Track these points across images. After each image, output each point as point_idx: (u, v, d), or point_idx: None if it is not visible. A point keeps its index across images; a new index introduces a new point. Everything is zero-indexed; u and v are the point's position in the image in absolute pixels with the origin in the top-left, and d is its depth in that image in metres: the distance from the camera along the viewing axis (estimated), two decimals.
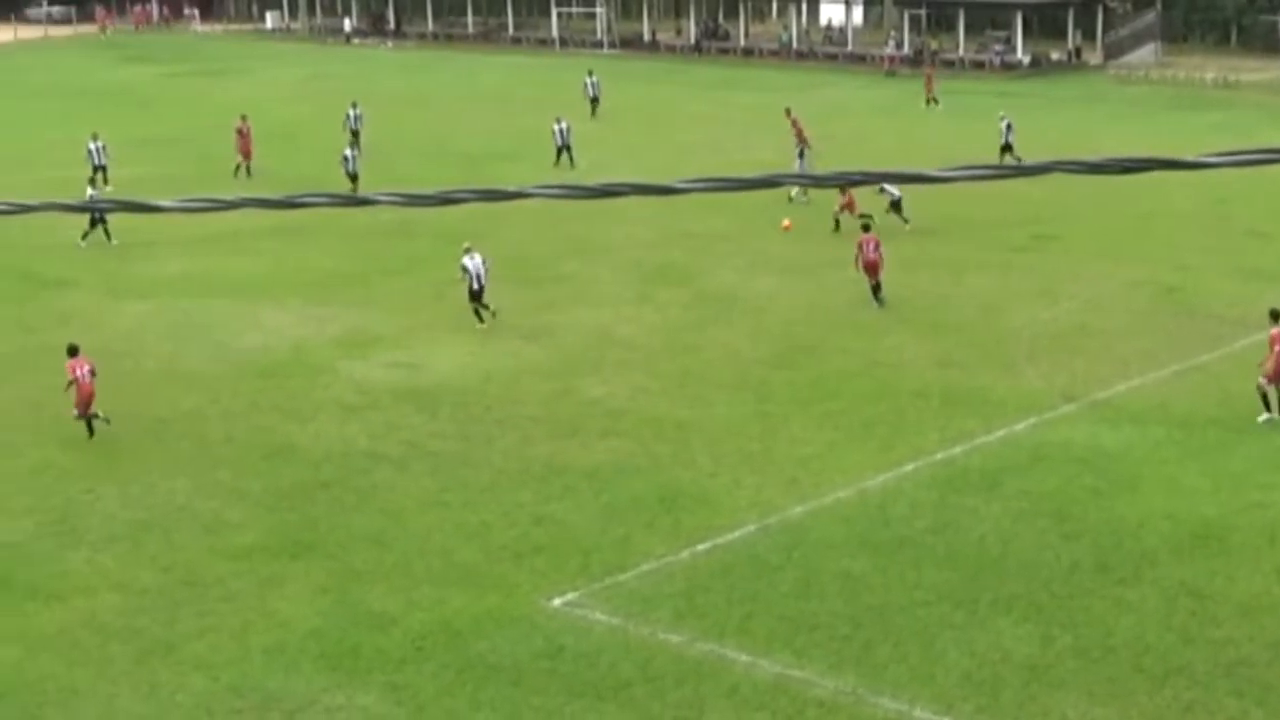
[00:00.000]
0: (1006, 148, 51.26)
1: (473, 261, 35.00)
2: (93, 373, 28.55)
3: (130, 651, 20.63)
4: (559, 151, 54.44)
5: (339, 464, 26.95)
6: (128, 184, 50.07)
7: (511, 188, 6.59)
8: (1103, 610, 20.92)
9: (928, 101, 68.57)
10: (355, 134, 56.41)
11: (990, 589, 21.58)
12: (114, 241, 42.84)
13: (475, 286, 34.89)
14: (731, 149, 55.29)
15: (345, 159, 49.98)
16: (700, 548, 23.19)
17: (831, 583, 21.93)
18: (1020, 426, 28.02)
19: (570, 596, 21.79)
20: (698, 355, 32.65)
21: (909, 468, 26.14)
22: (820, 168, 45.37)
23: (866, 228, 36.64)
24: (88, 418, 28.48)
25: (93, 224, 42.64)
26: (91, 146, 52.13)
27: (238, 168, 53.42)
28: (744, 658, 19.90)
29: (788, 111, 56.38)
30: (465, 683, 19.58)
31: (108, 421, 28.63)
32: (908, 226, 41.71)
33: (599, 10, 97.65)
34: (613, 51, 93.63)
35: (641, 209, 42.16)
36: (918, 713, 18.60)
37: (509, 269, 39.97)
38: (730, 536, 23.56)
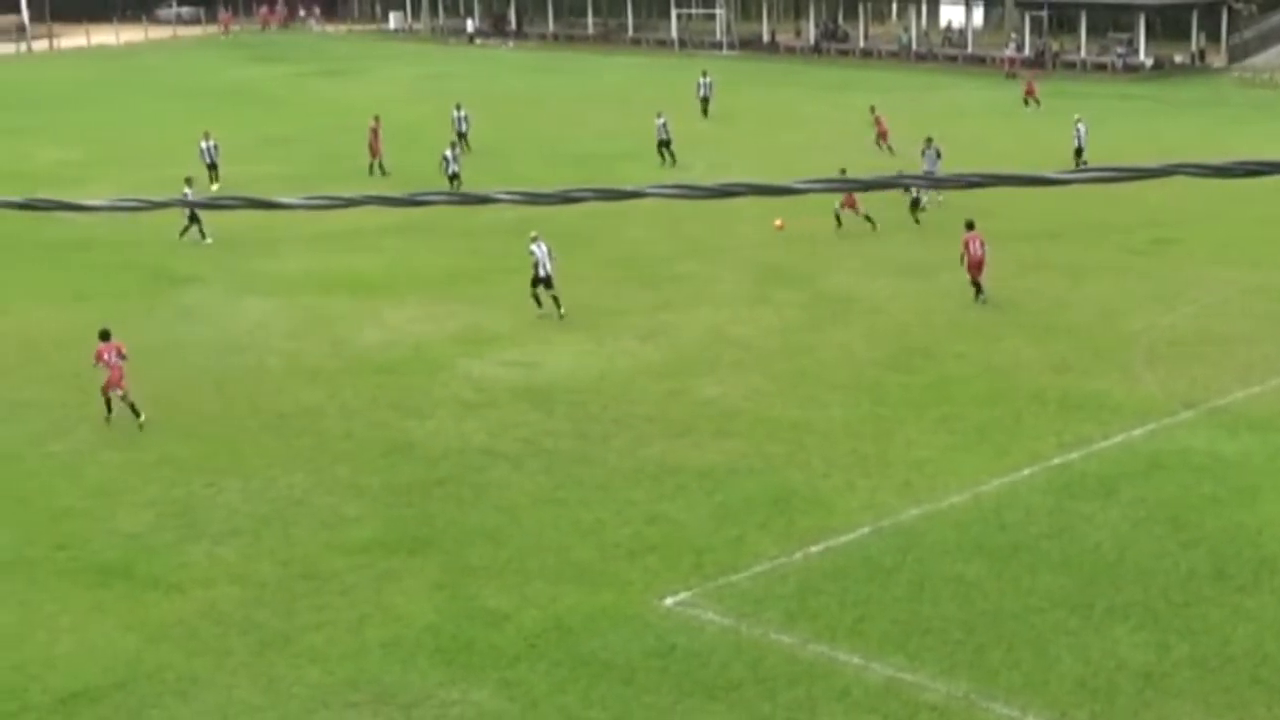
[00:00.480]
0: (1078, 152, 50.87)
1: (539, 249, 35.73)
2: (121, 355, 29.42)
3: (248, 643, 20.93)
4: (660, 147, 54.62)
5: (456, 461, 27.18)
6: (251, 182, 50.76)
7: (629, 187, 6.62)
8: (1220, 619, 20.68)
9: (1026, 101, 68.17)
10: (461, 135, 56.85)
11: (1106, 596, 21.40)
12: (208, 240, 43.72)
13: (541, 273, 35.63)
14: (849, 150, 55.06)
15: (445, 160, 50.41)
16: (813, 549, 23.16)
17: (945, 587, 21.84)
18: (1138, 432, 27.73)
19: (683, 596, 21.85)
20: (812, 356, 32.61)
21: (1025, 473, 25.96)
22: (942, 169, 45.10)
23: (970, 225, 36.38)
24: (108, 397, 29.42)
25: (191, 220, 43.73)
26: (203, 145, 53.32)
27: (371, 166, 54.19)
28: (856, 660, 19.87)
29: (872, 109, 56.65)
30: (577, 680, 19.69)
31: (136, 414, 29.17)
32: (919, 224, 41.64)
33: (718, 11, 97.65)
34: (732, 53, 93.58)
35: (758, 209, 42.15)
36: (1030, 719, 18.48)
37: (625, 269, 40.17)
38: (843, 539, 23.51)
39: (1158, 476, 25.70)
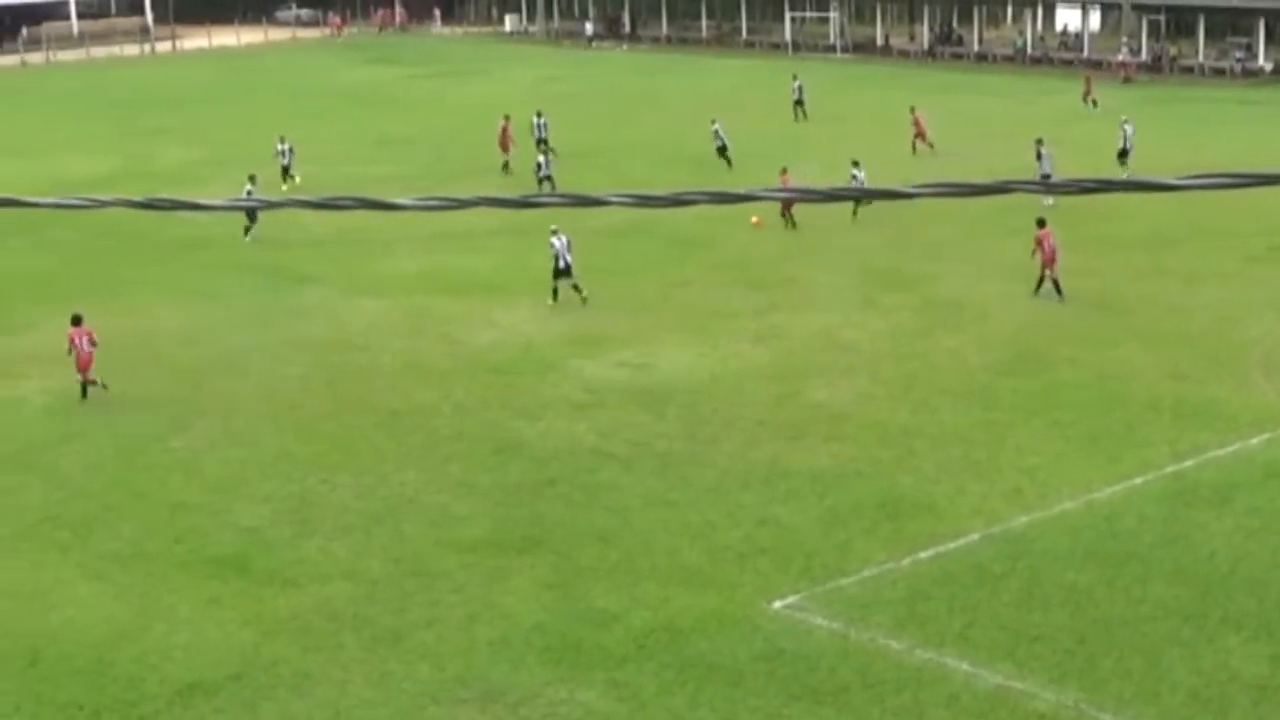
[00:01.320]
0: (1123, 153, 50.41)
1: (559, 241, 37.12)
2: (91, 341, 31.13)
3: (360, 639, 21.19)
4: (718, 152, 54.57)
5: (566, 461, 27.34)
6: (368, 182, 51.31)
7: (741, 190, 6.69)
8: None
9: (1085, 99, 67.64)
10: (542, 141, 57.20)
11: (1219, 606, 21.16)
12: (248, 239, 44.78)
13: (561, 265, 37.11)
14: (963, 154, 54.79)
15: (539, 164, 50.70)
16: (922, 555, 23.09)
17: (1056, 594, 21.69)
18: (1254, 441, 27.38)
19: (791, 599, 21.86)
20: (923, 361, 32.48)
21: (1138, 480, 25.72)
22: (1057, 174, 44.70)
23: (1041, 223, 36.50)
24: (84, 382, 31.06)
25: (251, 218, 44.72)
26: (279, 148, 54.42)
27: (504, 164, 54.71)
28: (965, 667, 19.79)
29: (911, 110, 57.47)
30: (685, 682, 19.75)
31: (105, 387, 31.13)
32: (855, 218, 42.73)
33: (832, 14, 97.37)
34: (845, 56, 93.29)
35: (869, 213, 42.07)
36: None
37: (736, 271, 40.20)
38: (953, 545, 23.42)
39: (1273, 486, 25.37)
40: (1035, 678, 19.45)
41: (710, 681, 19.72)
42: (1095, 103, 67.24)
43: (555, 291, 37.33)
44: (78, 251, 44.61)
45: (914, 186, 6.33)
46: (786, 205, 42.34)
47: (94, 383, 31.25)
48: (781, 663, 20.07)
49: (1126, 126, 51.47)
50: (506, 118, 57.24)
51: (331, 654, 20.81)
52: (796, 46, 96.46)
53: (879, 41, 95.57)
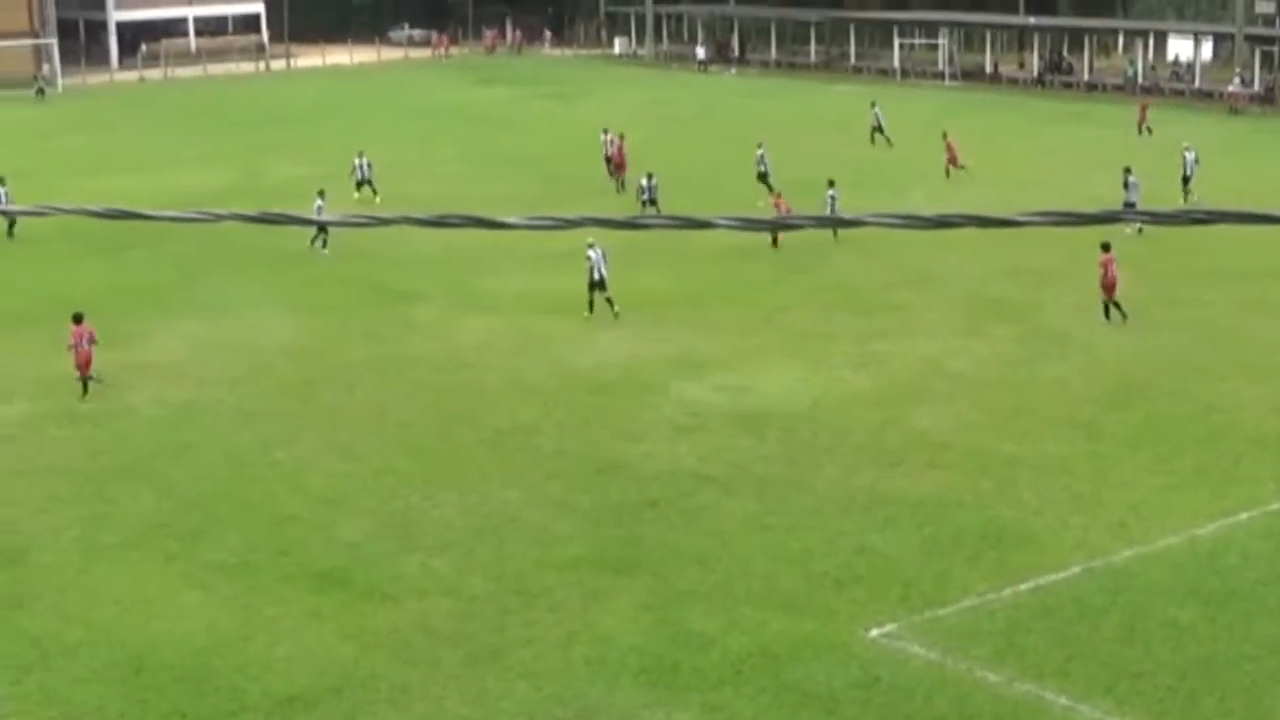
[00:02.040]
0: (1185, 180, 49.91)
1: (595, 253, 37.94)
2: (92, 340, 32.66)
3: (459, 655, 21.34)
4: (760, 178, 54.54)
5: (666, 483, 27.41)
6: (477, 201, 51.70)
7: (847, 215, 6.73)
8: None
9: (1140, 128, 66.93)
10: (608, 158, 58.32)
11: None
12: (327, 251, 45.70)
13: (596, 277, 37.96)
14: (1070, 184, 54.38)
15: (641, 188, 50.88)
16: (1023, 587, 22.94)
17: (1157, 631, 21.48)
18: None
19: (889, 628, 21.79)
20: (1027, 391, 32.27)
21: (1243, 517, 25.40)
22: (1164, 203, 44.29)
23: (1106, 247, 36.47)
24: (84, 379, 32.50)
25: (320, 230, 45.49)
26: (356, 163, 55.61)
27: (620, 182, 55.13)
28: (1063, 701, 19.64)
29: (944, 135, 57.70)
30: (781, 707, 19.74)
31: (101, 382, 32.74)
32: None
33: (941, 42, 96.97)
34: (954, 83, 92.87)
35: (977, 241, 41.76)
36: None
37: (840, 296, 40.15)
38: (1054, 577, 23.25)
39: None
40: (1135, 714, 19.27)
41: (805, 708, 19.70)
42: (1150, 130, 66.57)
43: (591, 304, 38.19)
44: (192, 264, 45.29)
45: (1019, 214, 6.35)
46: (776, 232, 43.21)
47: (92, 379, 32.68)
48: (877, 691, 20.01)
49: (1187, 154, 50.99)
50: (621, 136, 57.89)
51: (430, 670, 20.97)
52: (905, 73, 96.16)
53: (988, 69, 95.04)
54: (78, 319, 32.96)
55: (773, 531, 25.19)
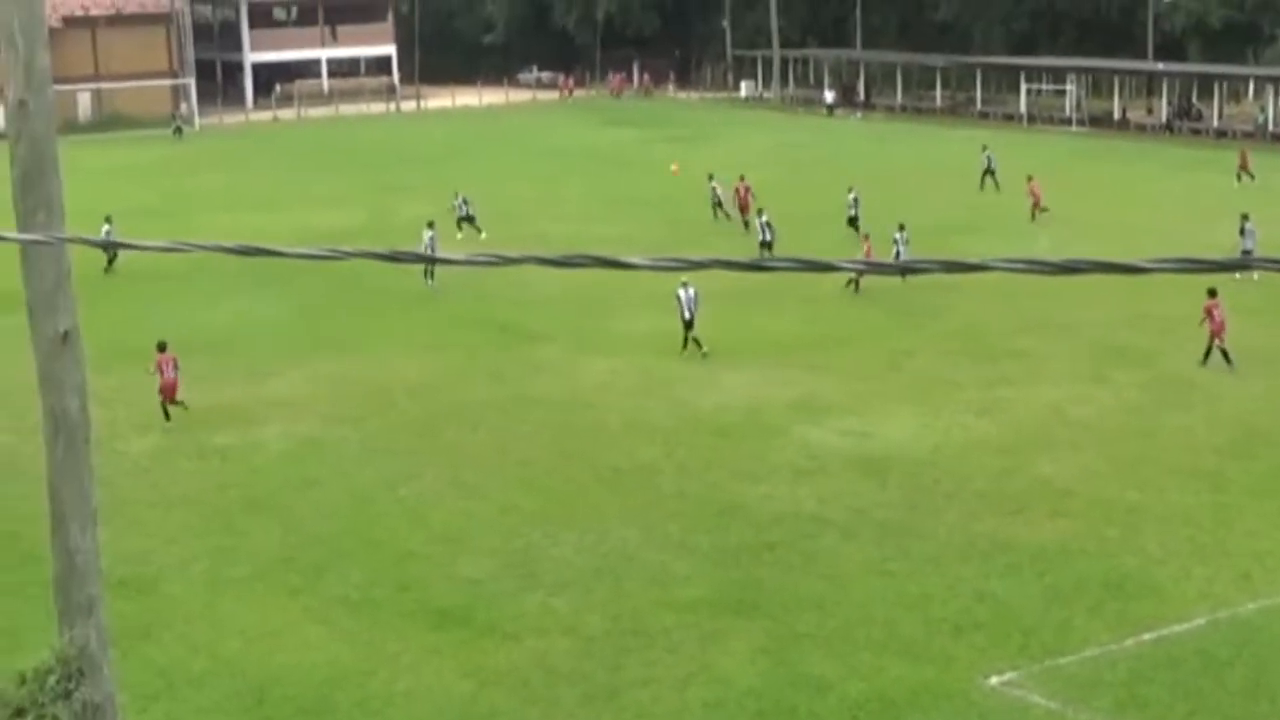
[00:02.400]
0: None
1: (685, 293, 38.67)
2: (175, 366, 34.01)
3: (576, 694, 21.45)
4: (850, 221, 54.52)
5: (786, 526, 27.40)
6: (602, 241, 52.12)
7: (972, 260, 6.76)
8: None
9: (1239, 174, 65.88)
10: (719, 203, 59.20)
11: None
12: (432, 283, 46.63)
13: (686, 316, 38.68)
14: (1195, 231, 53.76)
15: (761, 227, 51.01)
16: (1145, 637, 22.69)
17: None
18: None
19: (1008, 676, 21.64)
20: (1151, 439, 31.92)
21: None
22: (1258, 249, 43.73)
23: (1212, 292, 36.27)
24: (166, 404, 33.84)
25: (428, 268, 46.33)
26: (455, 202, 57.27)
27: (747, 223, 55.45)
28: None
29: (1028, 178, 57.98)
30: None
31: (186, 408, 33.97)
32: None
33: (1069, 87, 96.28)
34: (1081, 129, 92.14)
35: (1103, 287, 41.47)
36: None
37: (963, 341, 39.95)
38: (1177, 628, 22.97)
39: None
40: None
41: None
42: (1251, 175, 65.68)
43: (685, 341, 38.91)
44: (322, 301, 45.96)
45: (1146, 261, 6.37)
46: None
47: (176, 403, 34.04)
48: None
49: None
50: (742, 178, 58.21)
51: (548, 708, 21.09)
52: (1031, 119, 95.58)
53: (1116, 115, 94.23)
54: (161, 347, 34.28)
55: (892, 577, 25.10)
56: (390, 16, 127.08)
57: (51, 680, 14.14)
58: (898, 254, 46.72)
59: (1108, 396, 35.17)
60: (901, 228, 47.59)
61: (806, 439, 32.40)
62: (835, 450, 31.61)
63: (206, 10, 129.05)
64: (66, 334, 14.27)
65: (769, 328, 41.88)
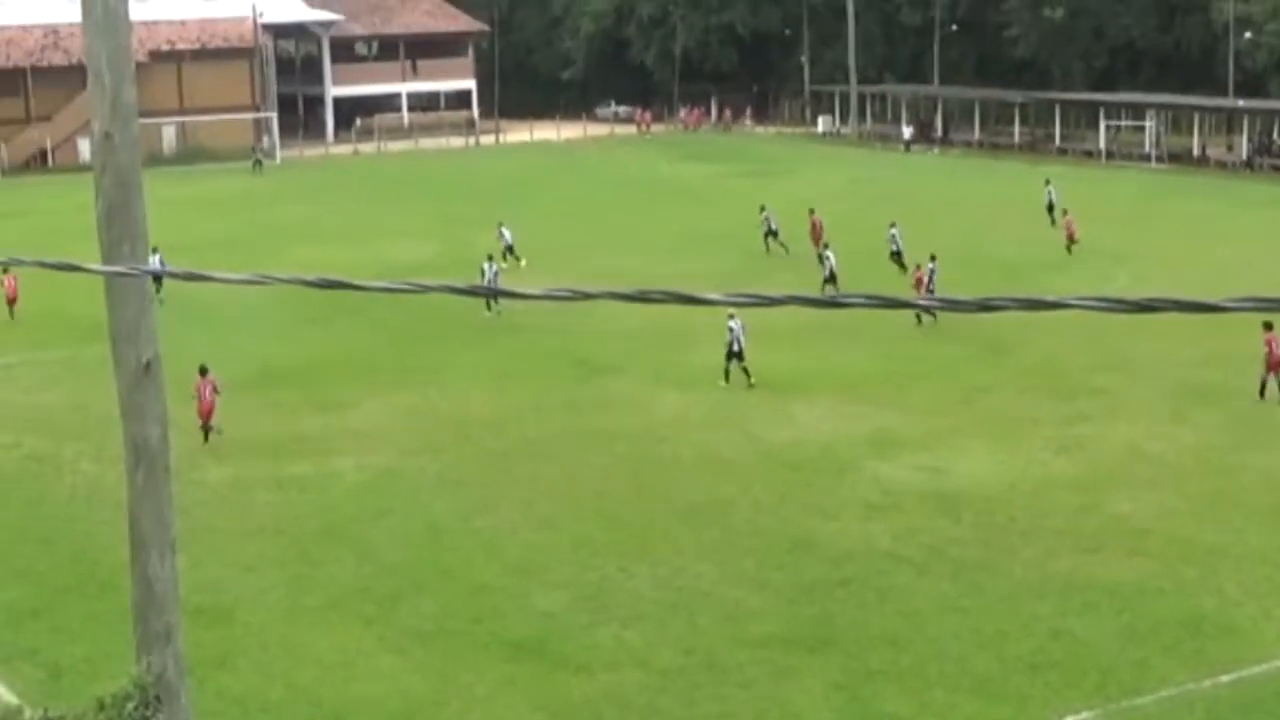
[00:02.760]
0: None
1: (736, 324, 39.34)
2: (215, 390, 34.74)
3: None
4: (892, 256, 54.50)
5: (860, 562, 27.32)
6: (677, 276, 52.22)
7: (1050, 297, 6.76)
8: None
9: None
10: (773, 234, 59.69)
11: None
12: (492, 313, 47.23)
13: (735, 348, 39.38)
14: (1275, 269, 53.30)
15: (825, 259, 51.03)
16: (1223, 678, 22.46)
17: None
18: None
19: (1083, 715, 21.48)
20: (1231, 478, 31.61)
21: None
22: None
23: (1269, 326, 35.86)
24: (205, 427, 34.87)
25: (491, 298, 46.79)
26: (503, 231, 58.60)
27: (820, 257, 55.53)
28: None
29: (1065, 212, 59.70)
30: None
31: (220, 433, 34.63)
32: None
33: (1148, 124, 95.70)
34: (1160, 165, 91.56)
35: (1182, 325, 41.10)
36: None
37: (1041, 378, 39.73)
38: (1256, 669, 22.73)
39: None
40: None
41: None
42: None
43: (727, 373, 39.46)
44: (399, 333, 46.25)
45: (1227, 300, 6.35)
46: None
47: (212, 429, 34.75)
48: None
49: None
50: (811, 211, 58.55)
51: None
52: (1110, 155, 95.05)
53: (1195, 152, 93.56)
54: (203, 371, 35.00)
55: (967, 614, 24.98)
56: (470, 52, 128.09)
57: (129, 707, 14.28)
58: (930, 284, 47.19)
59: (1186, 434, 34.88)
60: (933, 258, 47.60)
61: (880, 474, 32.31)
62: (909, 486, 31.50)
63: (289, 45, 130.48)
64: (148, 364, 14.45)
65: (843, 362, 41.81)
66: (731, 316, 39.07)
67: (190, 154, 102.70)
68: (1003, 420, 36.13)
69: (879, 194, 78.02)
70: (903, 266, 53.07)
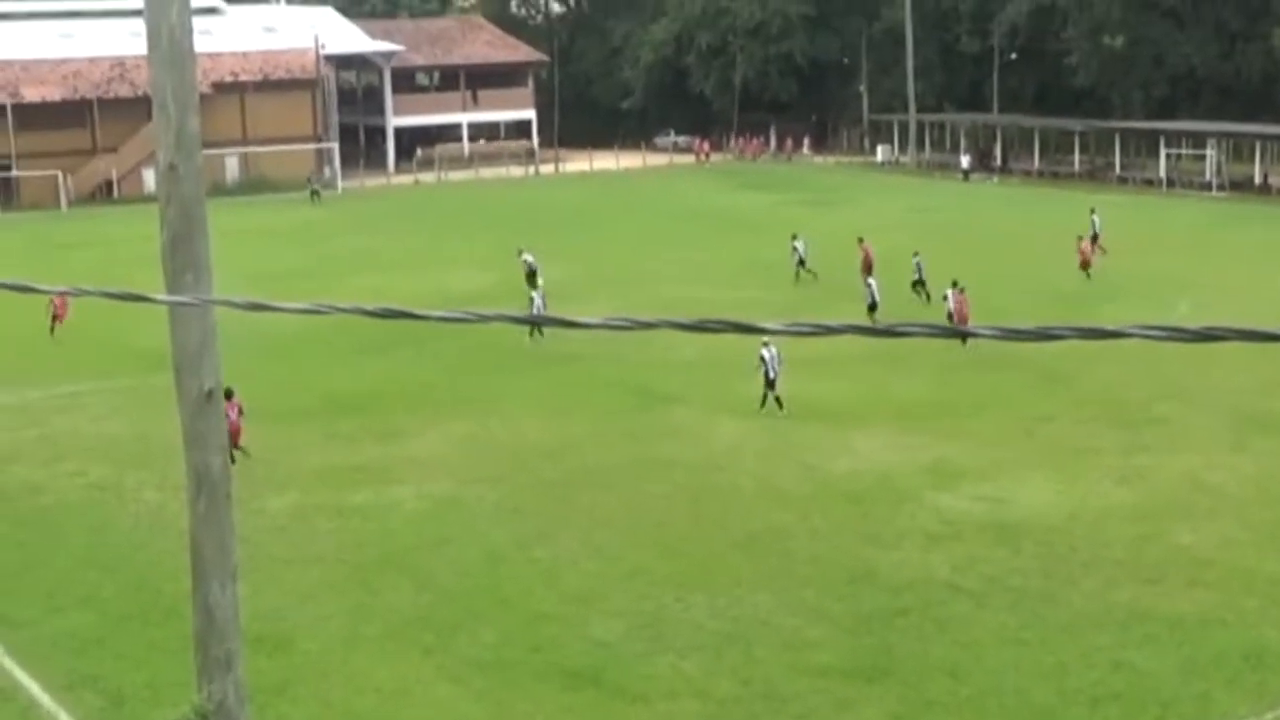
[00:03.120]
0: None
1: (769, 352, 39.42)
2: (240, 412, 34.49)
3: None
4: (915, 285, 54.44)
5: (919, 592, 27.23)
6: (735, 305, 52.23)
7: (1110, 326, 6.76)
8: None
9: None
10: (801, 263, 60.02)
11: None
12: (532, 340, 47.57)
13: (771, 375, 39.49)
14: None
15: (868, 289, 51.06)
16: None
17: None
18: None
19: None
20: None
21: None
22: None
23: None
24: (232, 449, 33.41)
25: (533, 328, 47.38)
26: (524, 258, 58.78)
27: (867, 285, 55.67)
28: None
29: (1079, 238, 60.01)
30: None
31: (247, 455, 34.47)
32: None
33: (1209, 152, 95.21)
34: (1221, 194, 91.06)
35: (1243, 354, 40.90)
36: None
37: (1100, 408, 39.53)
38: None
39: None
40: None
41: None
42: None
43: (764, 400, 39.65)
44: (459, 363, 46.44)
45: None
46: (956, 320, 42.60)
47: (240, 449, 33.98)
48: None
49: None
50: (860, 240, 58.48)
51: None
52: (1171, 183, 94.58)
53: (1257, 180, 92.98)
54: (228, 394, 34.35)
55: (1026, 645, 24.85)
56: (530, 82, 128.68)
57: None
58: (949, 313, 47.16)
59: (1248, 464, 34.62)
60: (954, 284, 47.59)
61: (939, 505, 32.21)
62: (969, 516, 31.39)
63: (351, 76, 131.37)
64: (211, 392, 14.59)
65: (900, 392, 41.73)
66: (765, 344, 39.11)
67: (253, 184, 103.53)
68: (1062, 450, 35.96)
69: (936, 223, 77.87)
70: (927, 296, 53.03)
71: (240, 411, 34.77)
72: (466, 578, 28.59)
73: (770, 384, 39.66)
